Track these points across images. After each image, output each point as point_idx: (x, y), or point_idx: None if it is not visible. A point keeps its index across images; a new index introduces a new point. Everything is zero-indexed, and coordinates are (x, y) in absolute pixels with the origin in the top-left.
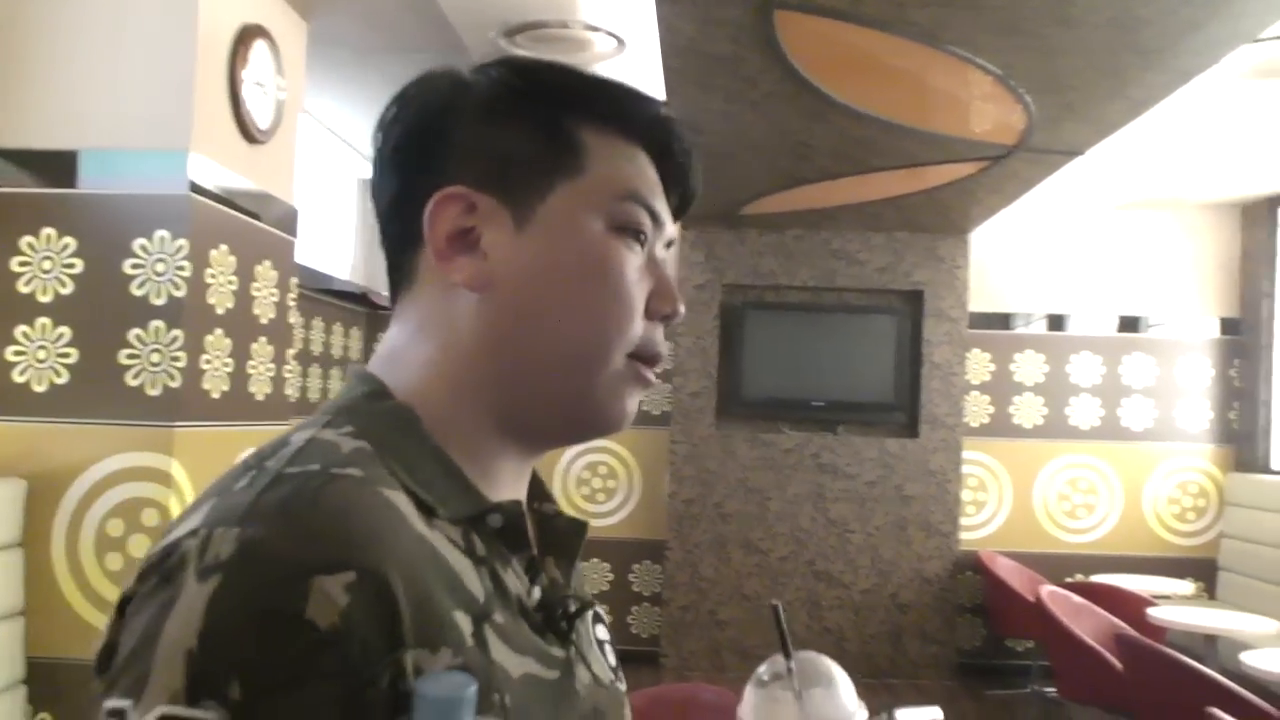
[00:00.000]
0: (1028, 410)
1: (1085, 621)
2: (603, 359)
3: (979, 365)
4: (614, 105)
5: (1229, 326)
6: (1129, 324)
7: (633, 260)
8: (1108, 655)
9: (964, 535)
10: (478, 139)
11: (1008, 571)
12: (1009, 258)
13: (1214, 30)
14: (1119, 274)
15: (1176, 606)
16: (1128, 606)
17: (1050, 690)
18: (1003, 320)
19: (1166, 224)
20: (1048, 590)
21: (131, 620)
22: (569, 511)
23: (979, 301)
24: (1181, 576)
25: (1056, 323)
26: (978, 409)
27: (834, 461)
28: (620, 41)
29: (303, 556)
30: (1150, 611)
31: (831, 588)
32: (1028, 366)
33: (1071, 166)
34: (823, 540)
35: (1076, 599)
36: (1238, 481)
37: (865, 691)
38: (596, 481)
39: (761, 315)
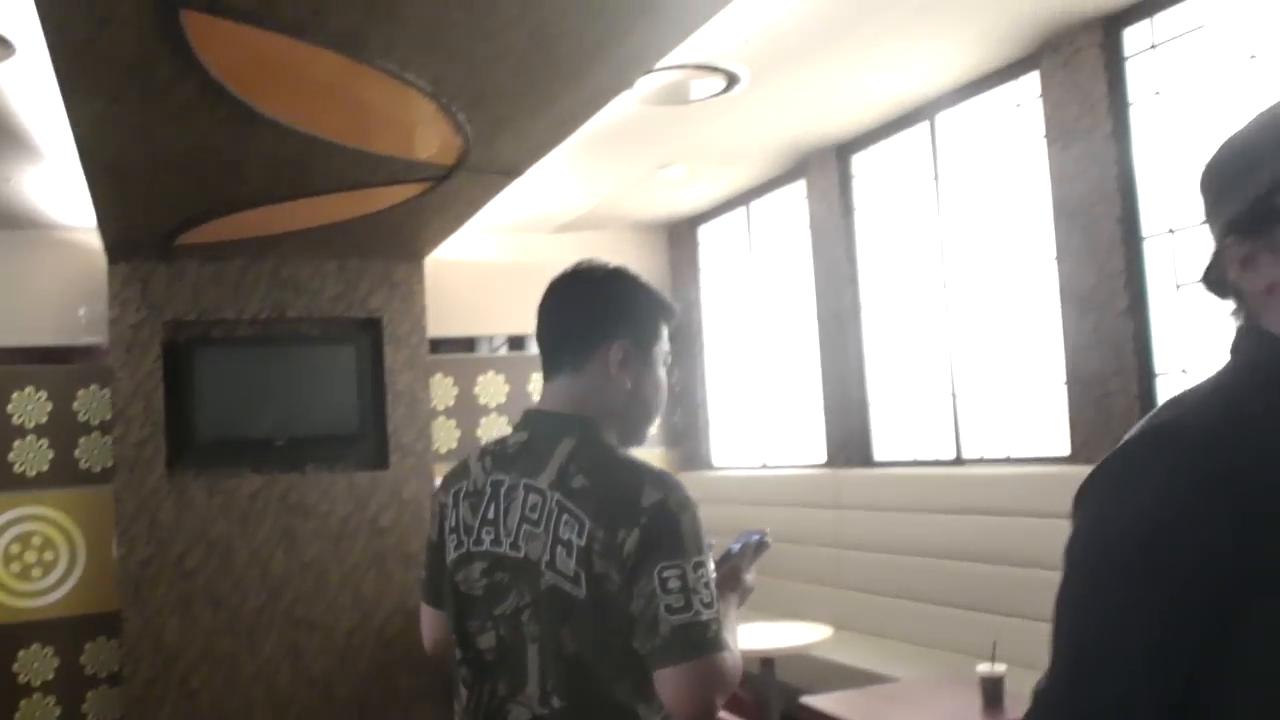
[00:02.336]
0: (494, 431)
1: None
2: (653, 422)
3: (443, 390)
4: (676, 316)
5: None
6: None
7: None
8: None
9: None
10: (638, 321)
11: None
12: (467, 282)
13: (624, 50)
14: None
15: None
16: None
17: None
18: (467, 344)
19: (604, 245)
20: None
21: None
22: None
23: (440, 326)
24: None
25: (518, 343)
26: (445, 433)
27: (303, 500)
28: (4, 43)
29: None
30: None
31: (314, 634)
32: (490, 388)
33: (516, 188)
34: (299, 585)
35: None
36: (689, 479)
37: None
38: (30, 555)
39: (210, 352)
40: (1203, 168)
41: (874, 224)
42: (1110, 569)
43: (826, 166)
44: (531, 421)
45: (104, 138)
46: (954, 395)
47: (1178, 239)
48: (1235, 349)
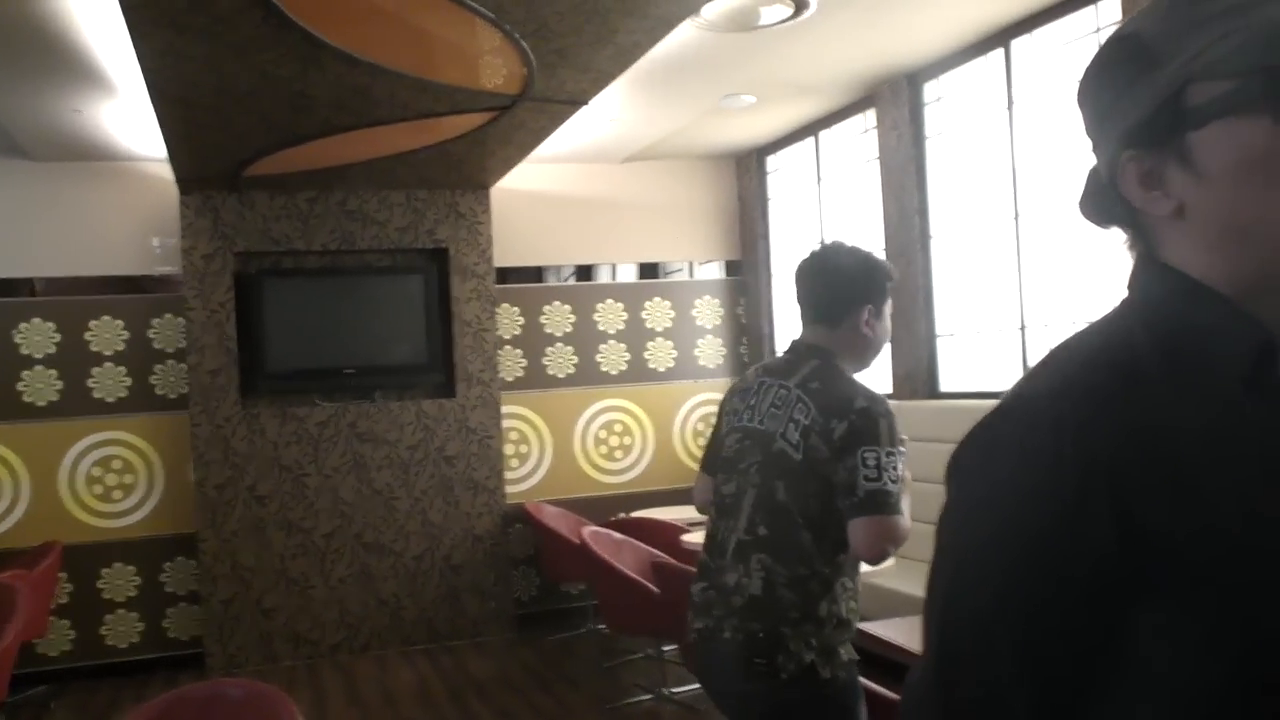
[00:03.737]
0: (560, 360)
1: (626, 555)
2: (879, 352)
3: (509, 320)
4: (895, 277)
5: (733, 268)
6: (649, 270)
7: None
8: (646, 584)
9: (509, 489)
10: (876, 289)
11: (554, 519)
12: (534, 212)
13: None
14: (636, 224)
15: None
16: (664, 536)
17: (604, 627)
18: (534, 274)
19: (671, 175)
20: (589, 530)
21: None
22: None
23: (507, 257)
24: None
25: (585, 273)
26: (511, 363)
27: (372, 429)
28: None
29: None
30: (684, 537)
31: (383, 558)
32: (556, 318)
33: (583, 118)
34: (369, 511)
35: (617, 536)
36: None
37: (426, 657)
38: (111, 478)
39: (280, 283)
40: (1084, 73)
41: (945, 153)
42: (977, 558)
43: (897, 95)
44: (794, 346)
45: (170, 70)
46: (1023, 328)
47: None
48: (1132, 286)
